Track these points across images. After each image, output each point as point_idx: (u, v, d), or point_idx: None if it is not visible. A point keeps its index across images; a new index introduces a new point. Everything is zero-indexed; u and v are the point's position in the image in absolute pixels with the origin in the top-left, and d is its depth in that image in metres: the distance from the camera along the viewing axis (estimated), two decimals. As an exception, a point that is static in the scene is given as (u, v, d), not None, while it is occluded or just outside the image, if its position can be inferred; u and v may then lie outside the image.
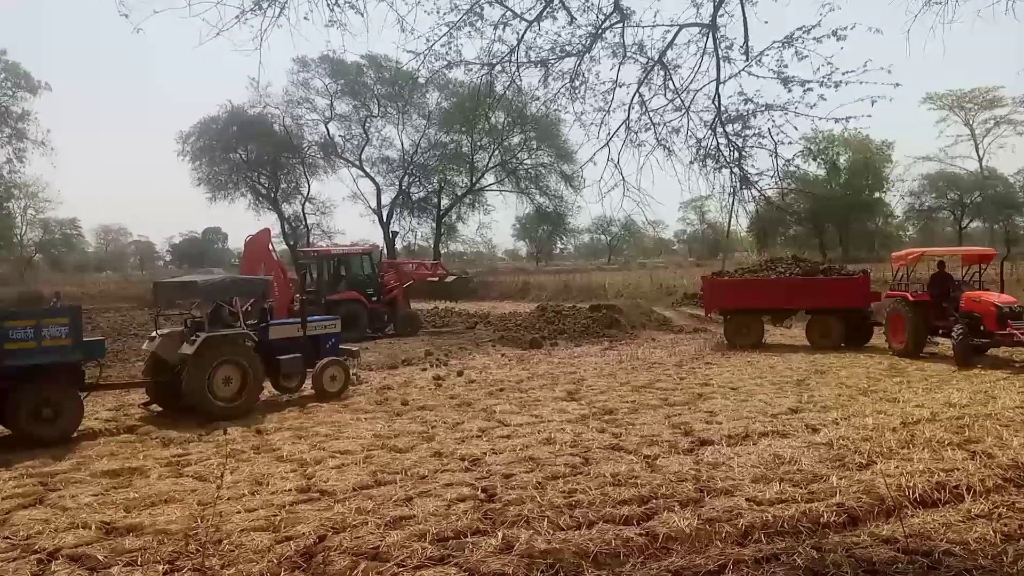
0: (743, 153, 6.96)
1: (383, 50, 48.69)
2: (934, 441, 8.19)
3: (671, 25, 6.91)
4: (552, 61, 7.19)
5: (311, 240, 54.84)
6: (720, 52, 6.69)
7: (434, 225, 56.62)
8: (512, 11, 6.88)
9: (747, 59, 6.59)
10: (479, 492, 7.00)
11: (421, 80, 24.87)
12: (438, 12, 6.81)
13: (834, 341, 17.59)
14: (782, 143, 6.71)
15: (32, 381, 9.78)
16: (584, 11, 6.90)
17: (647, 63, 7.07)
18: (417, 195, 56.17)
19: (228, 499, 6.97)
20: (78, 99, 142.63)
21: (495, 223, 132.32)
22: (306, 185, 56.01)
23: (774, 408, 10.57)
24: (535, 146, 54.66)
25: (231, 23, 5.98)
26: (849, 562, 5.22)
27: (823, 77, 6.25)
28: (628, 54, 7.05)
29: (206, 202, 55.20)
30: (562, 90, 7.37)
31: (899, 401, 10.85)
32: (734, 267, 24.81)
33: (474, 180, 55.89)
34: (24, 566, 5.60)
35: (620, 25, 6.96)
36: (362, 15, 6.45)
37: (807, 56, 6.29)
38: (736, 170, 7.04)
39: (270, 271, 20.48)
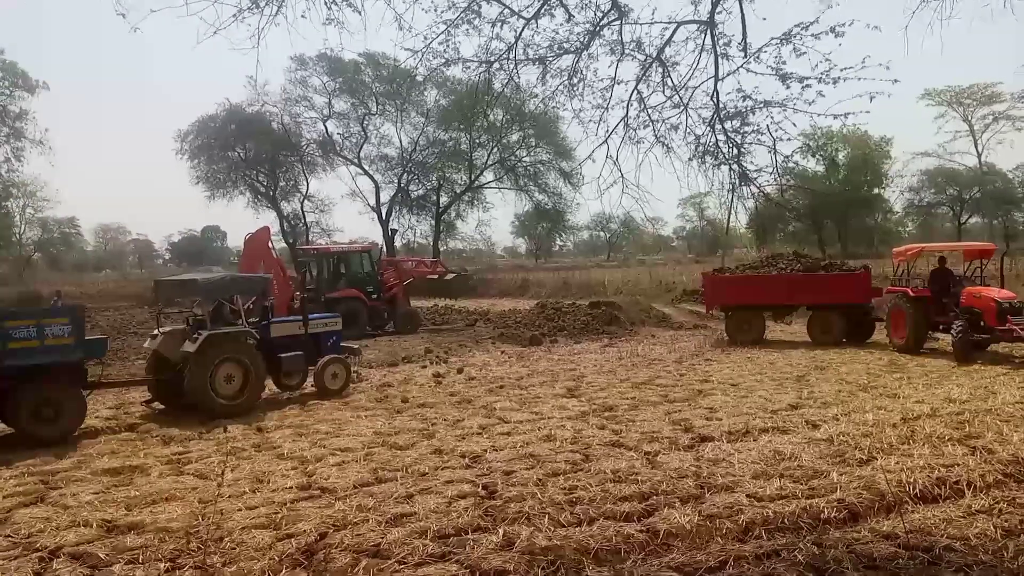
0: (742, 150, 6.97)
1: (381, 48, 48.65)
2: (934, 437, 8.20)
3: (669, 22, 6.92)
4: (550, 58, 7.19)
5: (310, 238, 54.83)
6: (718, 49, 6.70)
7: (433, 223, 56.62)
8: (510, 8, 6.89)
9: (745, 56, 6.60)
10: (480, 489, 7.01)
11: (419, 78, 24.80)
12: (436, 10, 6.82)
13: (835, 337, 17.60)
14: (781, 139, 6.72)
15: (35, 380, 9.79)
16: (582, 8, 6.91)
17: (645, 60, 7.08)
18: (416, 193, 56.19)
19: (229, 497, 6.97)
20: (76, 98, 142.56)
21: (494, 220, 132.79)
22: (305, 183, 56.07)
23: (774, 404, 10.58)
24: (534, 143, 54.66)
25: (228, 22, 5.99)
26: (850, 558, 5.23)
27: (821, 74, 6.26)
28: (626, 51, 7.05)
29: (204, 201, 55.27)
30: (560, 87, 7.38)
31: (899, 397, 10.86)
32: (734, 263, 24.81)
33: (473, 177, 55.87)
34: (26, 564, 5.61)
35: (618, 22, 6.97)
36: (359, 13, 6.46)
37: (805, 53, 6.29)
38: (735, 167, 7.05)
39: (270, 269, 20.45)
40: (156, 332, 11.89)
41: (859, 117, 6.30)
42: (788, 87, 6.43)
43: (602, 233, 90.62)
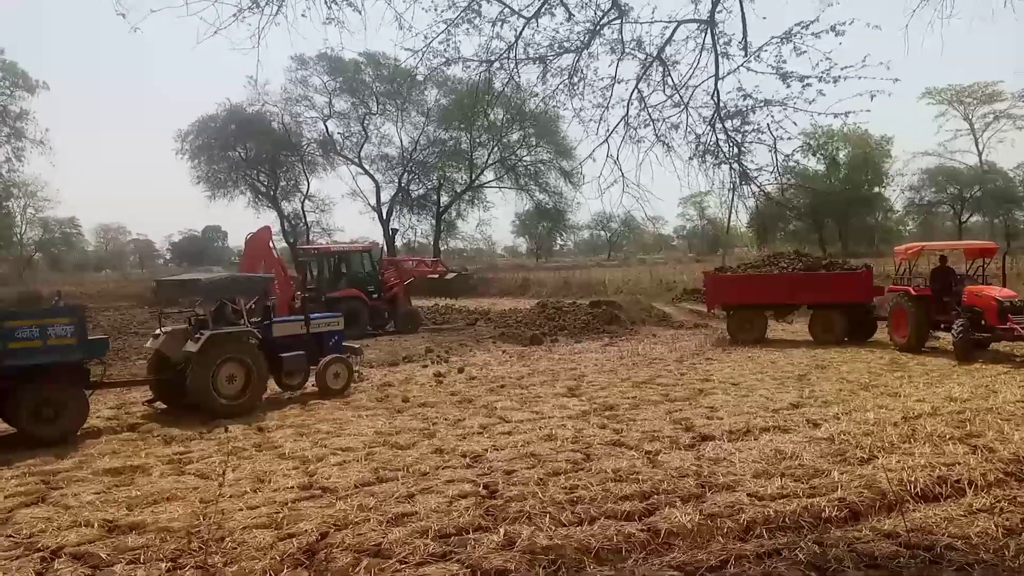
0: (742, 149, 6.97)
1: (381, 47, 48.48)
2: (935, 435, 8.19)
3: (669, 21, 6.92)
4: (550, 57, 7.19)
5: (311, 238, 54.82)
6: (719, 48, 6.70)
7: (433, 222, 56.58)
8: (510, 8, 6.89)
9: (746, 55, 6.60)
10: (481, 488, 7.01)
11: (420, 77, 24.80)
12: (436, 9, 6.82)
13: (837, 336, 17.60)
14: (781, 138, 6.73)
15: (37, 380, 9.80)
16: (582, 7, 6.91)
17: (646, 59, 7.08)
18: (416, 192, 56.15)
19: (230, 497, 6.97)
20: (76, 98, 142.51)
21: (494, 220, 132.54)
22: (305, 183, 56.02)
23: (775, 403, 10.58)
24: (534, 143, 54.59)
25: (229, 21, 5.99)
26: (851, 557, 5.23)
27: (822, 73, 6.26)
28: (626, 50, 7.05)
29: (205, 200, 55.14)
30: (561, 86, 7.38)
31: (900, 396, 10.86)
32: (735, 263, 24.81)
33: (473, 177, 55.85)
34: (27, 564, 5.61)
35: (618, 21, 6.96)
36: (360, 12, 6.46)
37: (806, 52, 6.29)
38: (735, 166, 7.05)
39: (270, 269, 20.47)
40: (158, 332, 11.91)
41: (860, 116, 6.31)
42: (788, 86, 6.44)
43: (603, 232, 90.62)
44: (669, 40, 6.94)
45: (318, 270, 23.92)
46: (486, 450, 8.43)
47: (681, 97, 7.06)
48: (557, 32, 7.06)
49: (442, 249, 57.39)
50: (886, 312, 17.06)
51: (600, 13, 6.90)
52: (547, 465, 7.68)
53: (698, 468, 7.39)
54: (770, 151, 6.80)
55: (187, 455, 8.86)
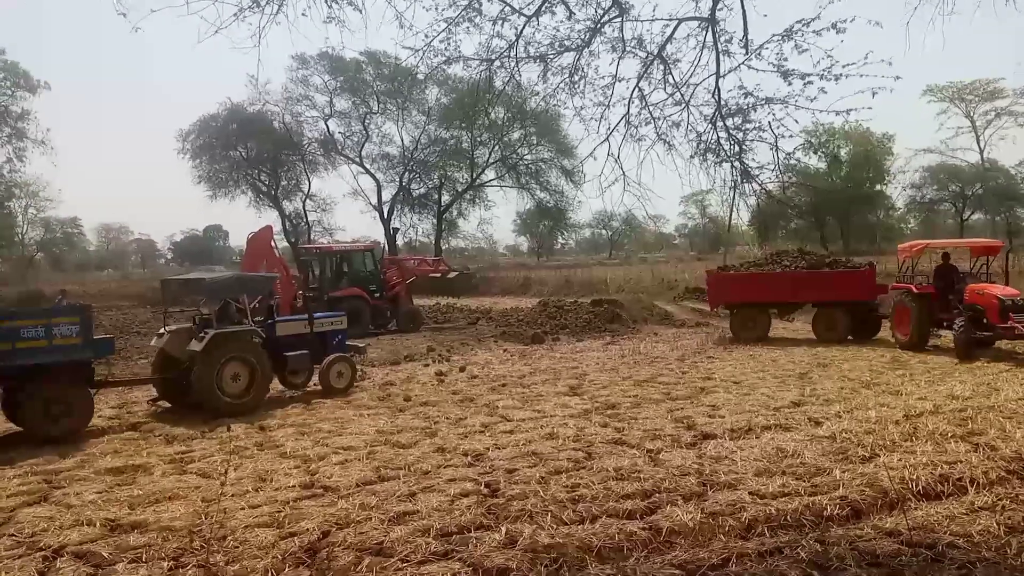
0: (744, 147, 6.96)
1: (382, 46, 48.44)
2: (937, 434, 8.19)
3: (670, 19, 6.91)
4: (551, 56, 7.19)
5: (312, 237, 54.83)
6: (719, 46, 6.69)
7: (435, 221, 56.57)
8: (510, 6, 6.88)
9: (747, 53, 6.59)
10: (482, 487, 7.01)
11: (420, 76, 24.86)
12: (436, 8, 6.81)
13: (840, 334, 17.59)
14: (783, 136, 6.72)
15: (43, 379, 9.83)
16: (583, 5, 6.90)
17: (646, 57, 7.07)
18: (417, 191, 56.14)
19: (232, 496, 6.98)
20: (77, 98, 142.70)
21: (496, 219, 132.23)
22: (306, 182, 56.03)
23: (777, 401, 10.58)
24: (535, 141, 54.55)
25: (229, 21, 5.99)
26: (852, 555, 5.23)
27: (823, 70, 6.25)
28: (627, 48, 7.04)
29: (206, 200, 55.08)
30: (561, 85, 7.37)
31: (902, 394, 10.86)
32: (736, 261, 24.80)
33: (474, 176, 55.83)
34: (29, 563, 5.61)
35: (619, 19, 6.96)
36: (360, 11, 6.46)
37: (807, 49, 6.27)
38: (737, 164, 7.04)
39: (272, 268, 20.48)
40: (163, 331, 11.94)
41: (861, 113, 6.31)
42: (790, 84, 6.43)
43: (604, 231, 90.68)
44: (670, 38, 6.94)
45: (320, 269, 23.95)
46: (488, 449, 8.43)
47: (682, 95, 7.05)
48: (558, 30, 7.07)
49: (443, 248, 57.42)
50: (889, 310, 17.05)
51: (601, 11, 6.90)
52: (549, 464, 7.68)
53: (700, 466, 7.39)
54: (771, 149, 6.80)
55: (189, 454, 8.87)
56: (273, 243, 23.63)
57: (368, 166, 54.81)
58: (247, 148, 52.64)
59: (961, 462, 7.09)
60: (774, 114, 6.63)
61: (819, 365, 14.14)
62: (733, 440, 8.43)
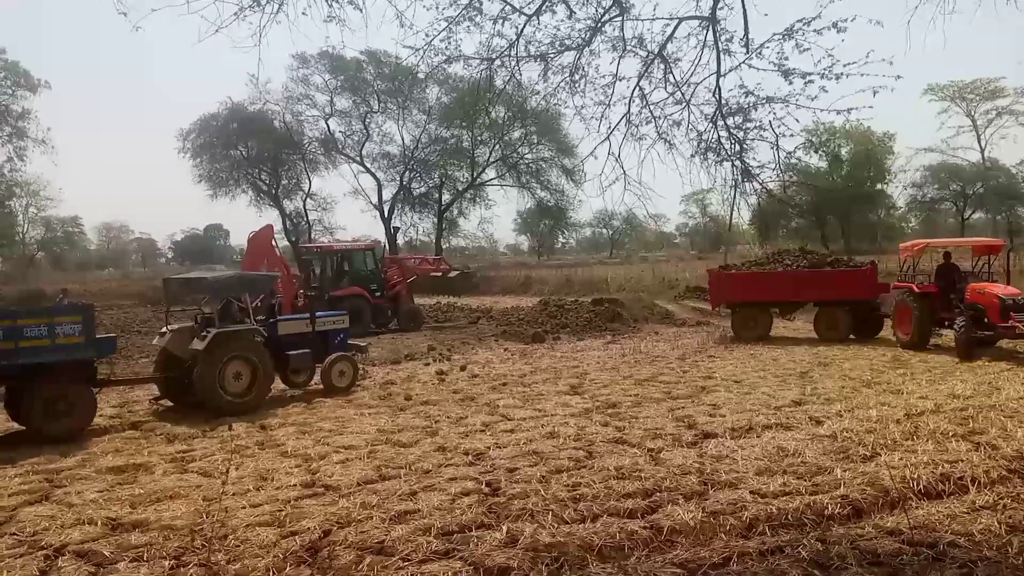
0: (744, 146, 6.96)
1: (382, 46, 48.42)
2: (938, 433, 8.19)
3: (671, 18, 6.91)
4: (552, 55, 7.18)
5: (312, 236, 54.83)
6: (720, 45, 6.68)
7: (435, 220, 56.56)
8: (511, 5, 6.87)
9: (747, 52, 6.59)
10: (483, 486, 7.02)
11: (421, 75, 24.82)
12: (437, 7, 6.80)
13: (842, 333, 17.59)
14: (783, 135, 6.72)
15: (46, 378, 9.84)
16: (583, 4, 6.89)
17: (647, 56, 7.06)
18: (418, 190, 56.12)
19: (233, 495, 6.99)
20: (78, 98, 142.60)
21: (496, 218, 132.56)
22: (307, 181, 56.03)
23: (777, 401, 10.57)
24: (536, 140, 54.54)
25: (230, 20, 5.98)
26: (854, 554, 5.23)
27: (824, 69, 6.25)
28: (628, 48, 7.04)
29: (207, 199, 55.07)
30: (562, 84, 7.37)
31: (903, 393, 10.85)
32: (737, 260, 24.79)
33: (475, 175, 55.82)
34: (31, 562, 5.62)
35: (619, 18, 6.95)
36: (361, 10, 6.45)
37: (808, 48, 6.27)
38: (737, 163, 7.04)
39: (273, 267, 20.49)
40: (165, 329, 11.95)
41: (862, 112, 6.33)
42: (790, 83, 6.43)
43: (604, 230, 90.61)
44: (671, 37, 6.93)
45: (321, 268, 23.95)
46: (488, 448, 8.43)
47: (683, 94, 7.05)
48: (558, 30, 7.06)
49: (444, 247, 57.40)
50: (890, 309, 17.04)
51: (601, 10, 6.89)
52: (549, 463, 7.68)
53: (700, 465, 7.39)
54: (772, 148, 6.80)
55: (190, 453, 8.88)
56: (274, 242, 23.68)
57: (369, 165, 54.91)
58: (247, 147, 52.64)
59: (962, 461, 7.08)
60: (775, 113, 6.64)
61: (820, 364, 14.14)
62: (734, 439, 8.43)
